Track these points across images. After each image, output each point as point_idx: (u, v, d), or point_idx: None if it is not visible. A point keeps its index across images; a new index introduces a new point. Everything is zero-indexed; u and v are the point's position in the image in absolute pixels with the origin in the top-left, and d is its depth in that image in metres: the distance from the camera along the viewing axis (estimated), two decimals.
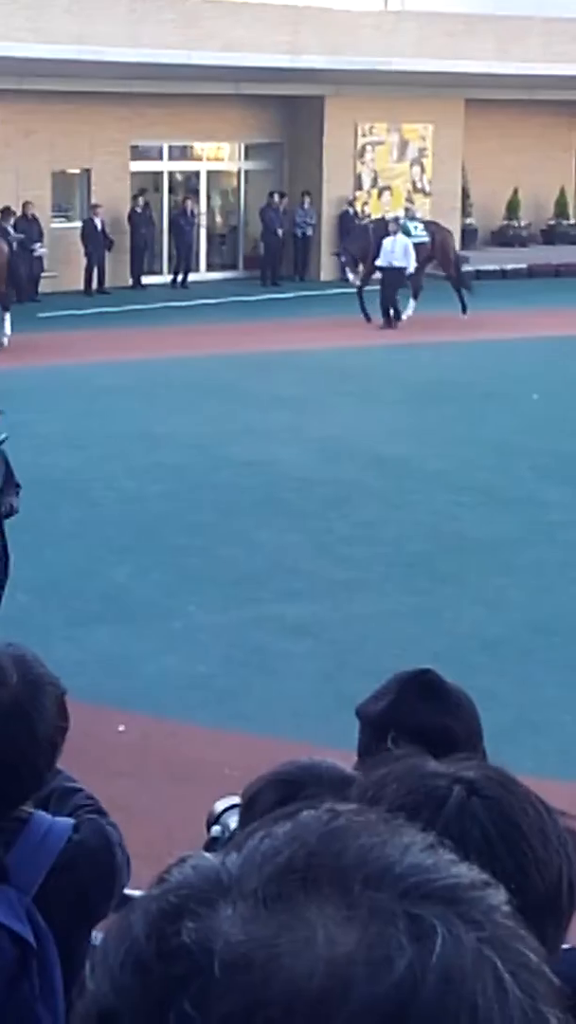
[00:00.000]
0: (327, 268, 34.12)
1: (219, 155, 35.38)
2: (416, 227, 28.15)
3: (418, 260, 27.38)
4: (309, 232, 33.94)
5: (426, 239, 27.92)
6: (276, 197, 33.42)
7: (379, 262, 27.02)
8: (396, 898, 0.89)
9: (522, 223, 36.84)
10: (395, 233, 27.26)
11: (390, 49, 31.84)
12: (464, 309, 27.59)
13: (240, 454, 16.79)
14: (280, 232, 33.17)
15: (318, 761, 3.05)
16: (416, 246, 27.30)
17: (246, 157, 35.18)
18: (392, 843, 0.93)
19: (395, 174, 35.12)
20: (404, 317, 27.24)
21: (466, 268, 29.75)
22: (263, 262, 33.45)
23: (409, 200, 34.72)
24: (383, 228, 27.78)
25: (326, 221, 34.07)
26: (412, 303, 27.53)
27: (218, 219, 35.64)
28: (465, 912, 0.89)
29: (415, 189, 35.38)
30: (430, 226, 28.90)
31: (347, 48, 31.43)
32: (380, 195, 35.00)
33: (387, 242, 27.12)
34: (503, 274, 34.19)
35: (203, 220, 34.28)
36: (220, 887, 0.91)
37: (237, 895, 0.90)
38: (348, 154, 34.41)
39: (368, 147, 34.71)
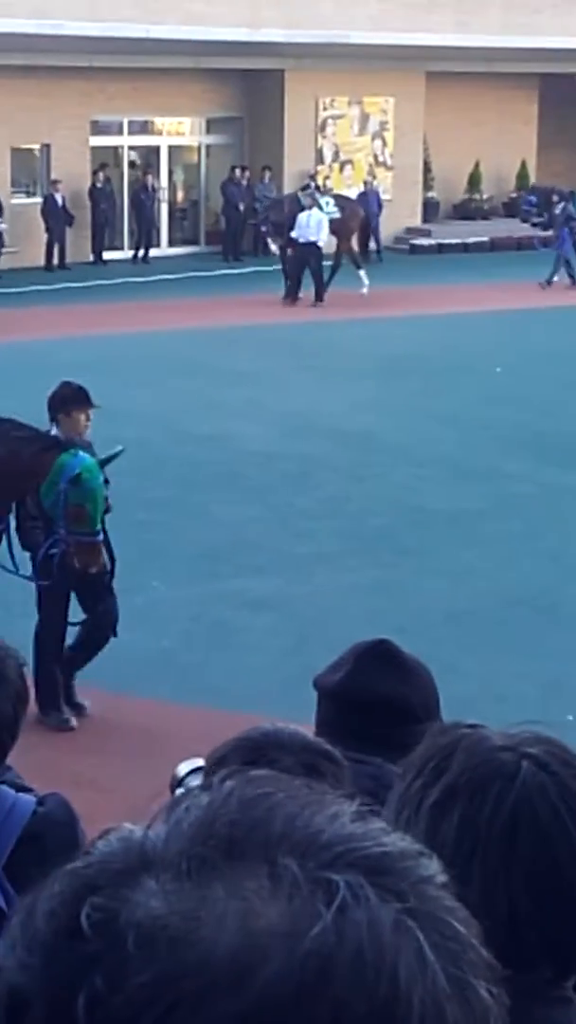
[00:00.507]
0: None
1: (180, 130, 35.23)
2: (327, 202, 28.07)
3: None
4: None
5: (337, 214, 27.89)
6: (237, 172, 33.32)
7: (294, 234, 26.85)
8: (320, 868, 0.87)
9: (484, 196, 36.80)
10: (310, 207, 27.09)
11: (350, 22, 31.73)
12: (363, 286, 27.40)
13: (202, 429, 16.76)
14: (241, 207, 33.07)
15: (281, 727, 3.07)
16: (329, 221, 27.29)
17: (207, 131, 35.05)
18: (320, 811, 0.92)
19: (356, 148, 35.05)
20: (364, 291, 27.18)
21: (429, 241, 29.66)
22: (224, 237, 33.35)
23: (371, 174, 34.64)
24: (298, 202, 27.68)
25: None
26: (362, 275, 27.50)
27: (179, 194, 35.51)
28: (391, 883, 0.88)
29: (376, 163, 35.32)
30: (339, 200, 28.96)
31: (307, 21, 31.31)
32: (342, 169, 34.93)
33: (302, 216, 26.93)
34: (465, 247, 34.20)
35: (164, 195, 34.14)
36: (143, 859, 0.90)
37: (160, 867, 0.89)
38: (309, 128, 34.32)
39: (329, 121, 34.62)
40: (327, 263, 27.31)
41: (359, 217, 28.91)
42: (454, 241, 34.41)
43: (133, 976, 0.84)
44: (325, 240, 26.93)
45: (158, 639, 10.57)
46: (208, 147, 35.21)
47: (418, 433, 16.82)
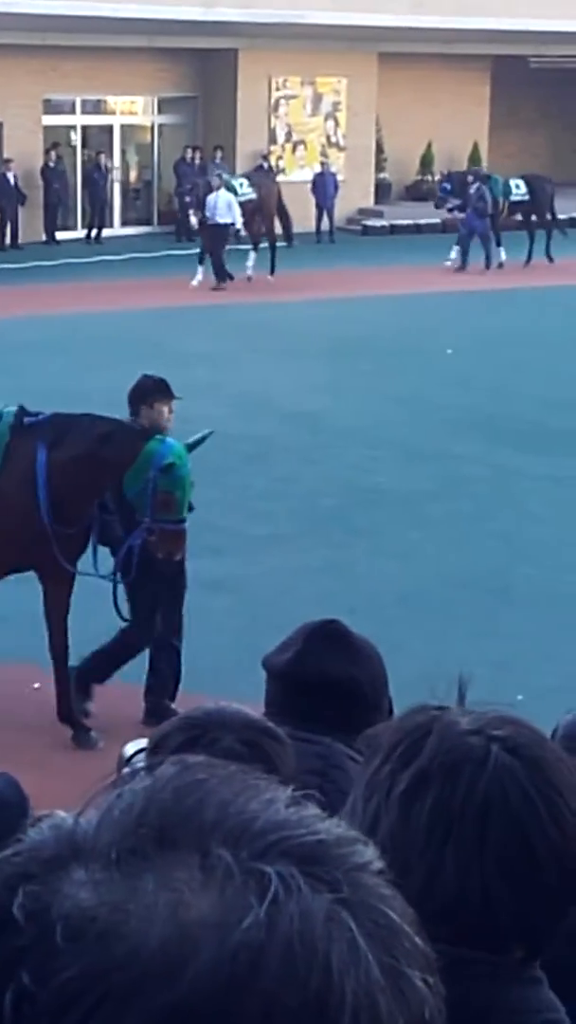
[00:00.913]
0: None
1: (133, 109, 35.12)
2: (241, 184, 27.61)
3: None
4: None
5: (252, 195, 27.48)
6: (190, 152, 33.25)
7: (205, 214, 26.23)
8: (253, 858, 0.86)
9: (436, 177, 36.83)
10: (218, 189, 26.47)
11: (304, 2, 31.69)
12: (272, 271, 27.07)
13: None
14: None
15: (224, 706, 3.07)
16: (243, 203, 26.66)
17: (160, 111, 34.95)
18: (254, 798, 0.90)
19: (309, 128, 35.03)
20: (249, 275, 26.83)
21: (381, 223, 29.63)
22: (177, 217, 33.27)
23: (323, 155, 34.65)
24: (207, 183, 27.05)
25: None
26: (252, 258, 27.11)
27: (132, 174, 35.40)
28: (324, 872, 0.87)
29: (329, 143, 35.31)
30: (255, 179, 28.66)
31: (261, 1, 31.26)
32: (294, 149, 34.91)
33: (210, 198, 26.37)
34: (417, 228, 34.24)
35: (117, 175, 34.04)
36: (74, 848, 0.88)
37: (90, 856, 0.87)
38: (262, 108, 34.28)
39: (282, 101, 34.59)
40: (264, 246, 27.20)
41: (275, 196, 28.37)
42: (406, 222, 34.45)
43: (61, 970, 0.82)
44: (237, 222, 26.39)
45: (112, 620, 10.59)
46: (161, 127, 35.12)
47: (370, 414, 16.89)
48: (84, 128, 34.11)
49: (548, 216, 29.98)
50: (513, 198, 29.91)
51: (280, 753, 2.92)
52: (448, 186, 31.06)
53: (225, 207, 26.22)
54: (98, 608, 9.29)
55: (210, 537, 12.46)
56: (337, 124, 35.41)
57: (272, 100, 34.41)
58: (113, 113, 34.66)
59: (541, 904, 1.81)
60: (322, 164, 33.78)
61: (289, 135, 34.86)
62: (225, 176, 27.85)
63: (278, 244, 27.77)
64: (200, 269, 26.37)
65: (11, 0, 27.96)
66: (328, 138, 35.35)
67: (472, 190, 29.10)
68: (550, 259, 29.32)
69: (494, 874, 1.80)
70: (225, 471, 14.48)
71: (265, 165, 33.61)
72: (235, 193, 26.81)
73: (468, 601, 11.17)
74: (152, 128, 35.17)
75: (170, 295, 24.88)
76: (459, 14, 33.82)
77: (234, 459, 14.89)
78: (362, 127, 35.50)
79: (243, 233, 26.93)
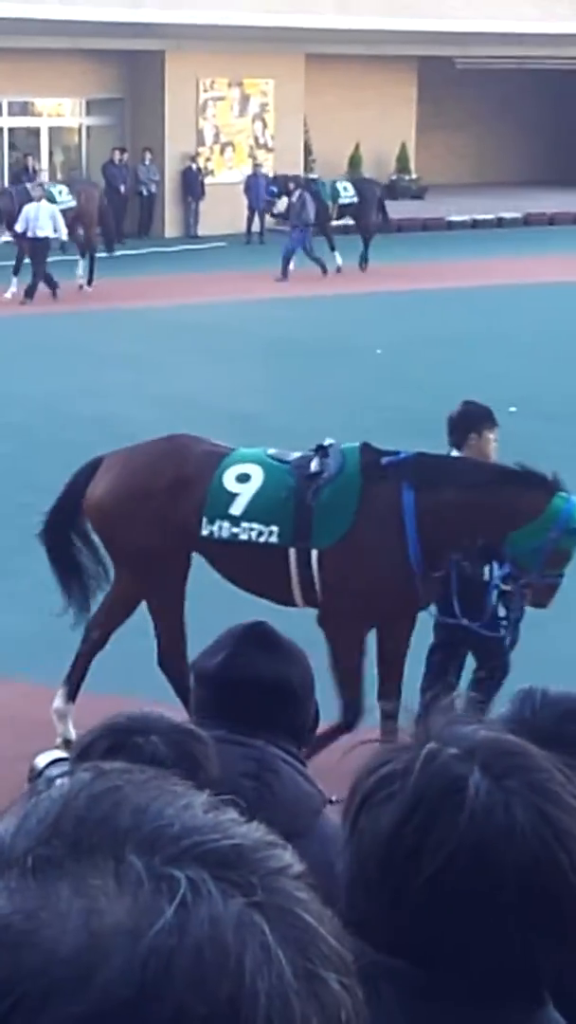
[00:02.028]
0: (171, 225, 33.96)
1: (60, 111, 35.00)
2: (60, 191, 26.81)
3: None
4: (153, 189, 33.74)
5: (72, 202, 26.66)
6: (117, 154, 33.17)
7: (18, 227, 24.94)
8: (165, 863, 0.86)
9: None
10: (39, 199, 25.31)
11: (230, 3, 31.68)
12: (89, 281, 26.27)
13: (84, 412, 16.68)
14: (123, 189, 32.95)
15: (148, 711, 3.07)
16: (64, 211, 25.66)
17: (87, 113, 34.84)
18: (169, 803, 0.91)
19: (237, 130, 35.02)
20: (91, 287, 26.21)
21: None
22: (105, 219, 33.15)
23: (252, 156, 34.65)
24: (26, 193, 25.95)
25: (169, 178, 33.90)
26: (82, 266, 26.43)
27: (60, 176, 35.24)
28: (238, 876, 0.87)
29: (257, 144, 35.32)
30: (74, 186, 27.94)
31: (187, 2, 31.22)
32: (223, 151, 34.89)
33: (30, 208, 25.00)
34: (345, 229, 34.23)
35: (45, 177, 33.87)
36: None
37: (6, 864, 0.87)
38: (190, 110, 34.23)
39: (210, 102, 34.56)
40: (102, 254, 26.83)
41: (96, 201, 27.48)
42: (334, 223, 34.42)
43: None
44: (61, 233, 25.28)
45: (44, 623, 10.52)
46: (89, 128, 35.01)
47: (302, 415, 16.86)
48: (11, 130, 33.94)
49: (376, 219, 29.45)
50: (342, 201, 29.40)
51: (205, 755, 2.91)
52: (274, 190, 30.42)
53: (47, 219, 24.92)
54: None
55: None
56: (265, 125, 35.42)
57: (200, 102, 34.37)
58: (40, 115, 34.51)
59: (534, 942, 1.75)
60: (255, 166, 33.77)
61: (217, 136, 34.83)
62: (47, 187, 26.95)
63: (99, 253, 27.01)
64: (14, 280, 25.40)
65: None
66: (256, 139, 35.36)
67: (294, 198, 28.05)
68: (363, 265, 28.63)
69: (469, 913, 1.76)
70: None
71: (194, 167, 33.62)
72: (54, 201, 25.72)
73: None
74: (80, 130, 35.05)
75: (98, 297, 24.80)
76: (385, 15, 33.91)
77: None
78: (290, 128, 35.52)
79: (65, 239, 25.84)
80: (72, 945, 0.82)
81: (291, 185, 29.11)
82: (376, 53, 35.94)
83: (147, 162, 33.53)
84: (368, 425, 16.44)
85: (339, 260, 28.16)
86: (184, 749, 2.87)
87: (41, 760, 3.63)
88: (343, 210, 29.48)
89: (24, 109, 34.24)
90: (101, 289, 25.46)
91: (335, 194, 29.33)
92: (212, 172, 34.37)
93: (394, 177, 37.62)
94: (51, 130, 34.69)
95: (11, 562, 11.74)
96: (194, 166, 33.89)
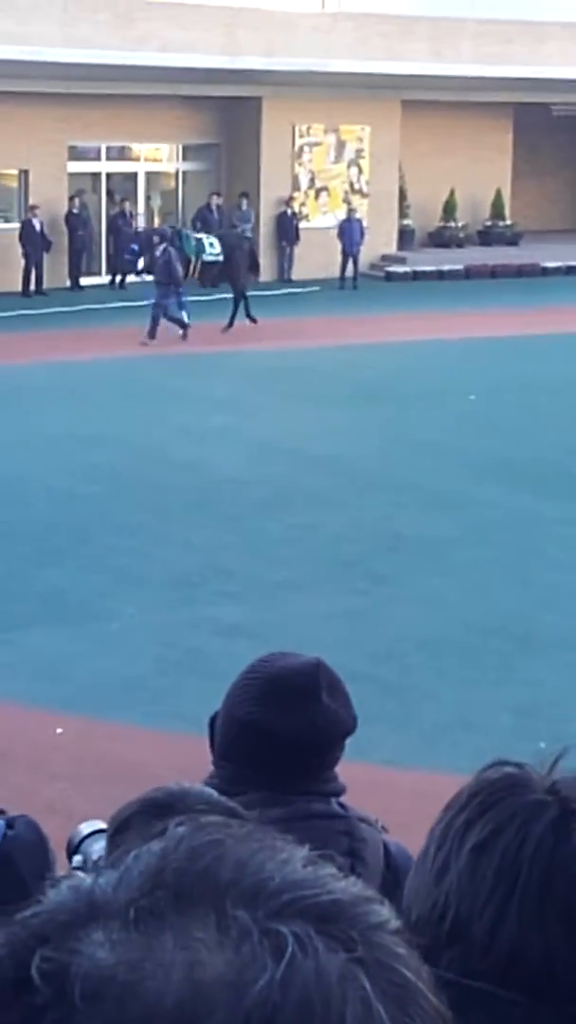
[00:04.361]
0: (265, 269, 34.13)
1: (157, 156, 35.33)
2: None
3: None
4: (248, 232, 33.94)
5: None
6: (214, 198, 33.44)
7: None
8: (268, 917, 0.86)
9: (459, 224, 36.95)
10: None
11: (327, 50, 31.90)
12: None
13: (175, 455, 16.78)
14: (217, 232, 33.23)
15: (187, 786, 3.00)
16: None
17: (184, 158, 35.15)
18: (270, 858, 0.91)
19: (332, 175, 35.18)
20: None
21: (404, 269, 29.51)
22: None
23: (347, 201, 34.81)
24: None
25: (264, 222, 34.10)
26: None
27: (156, 220, 35.57)
28: (339, 931, 0.87)
29: (352, 190, 35.46)
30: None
31: (284, 49, 31.47)
32: (317, 196, 35.06)
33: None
34: (440, 275, 34.32)
35: (141, 221, 34.20)
36: (93, 908, 0.88)
37: (108, 916, 0.88)
38: (286, 155, 34.44)
39: (305, 148, 34.75)
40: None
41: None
42: (429, 268, 34.53)
43: None
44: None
45: (132, 665, 10.58)
46: (185, 173, 35.31)
47: (392, 459, 16.88)
48: (109, 175, 34.32)
49: (245, 277, 27.16)
50: (206, 258, 27.63)
51: None
52: (135, 247, 28.88)
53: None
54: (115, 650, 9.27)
55: (229, 582, 12.47)
56: (360, 171, 35.56)
57: (296, 147, 34.58)
58: (138, 160, 34.87)
59: None
60: (349, 211, 33.93)
61: (312, 181, 35.01)
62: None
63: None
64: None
65: (37, 49, 28.18)
66: (351, 184, 35.50)
67: (158, 252, 26.24)
68: (252, 320, 26.68)
69: (557, 933, 1.82)
70: (242, 516, 14.48)
71: (289, 212, 33.79)
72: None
73: (490, 647, 11.11)
74: (176, 175, 35.36)
75: (192, 341, 24.94)
76: (480, 62, 34.01)
77: (250, 504, 14.89)
78: (385, 174, 35.64)
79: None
80: (176, 997, 0.83)
81: (155, 238, 27.23)
82: (471, 100, 36.02)
83: (243, 207, 33.77)
84: (457, 470, 16.44)
85: (186, 319, 25.81)
86: None
87: (83, 829, 3.46)
88: (207, 268, 27.33)
89: (121, 154, 34.60)
90: (195, 333, 25.64)
91: (199, 249, 27.53)
92: (307, 217, 34.54)
93: (489, 223, 37.63)
94: (148, 175, 35.03)
95: (100, 604, 11.83)
96: (289, 211, 34.08)
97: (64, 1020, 0.83)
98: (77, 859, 3.02)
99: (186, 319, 25.49)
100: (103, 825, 3.00)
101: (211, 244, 27.70)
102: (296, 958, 0.84)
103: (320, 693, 3.25)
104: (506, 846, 1.84)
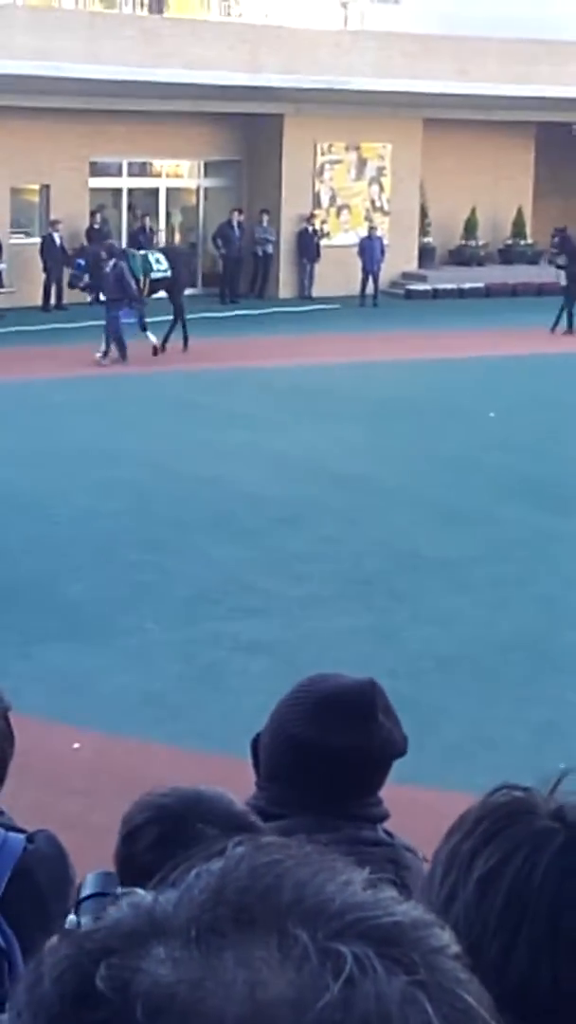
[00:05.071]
0: (286, 286, 34.18)
1: (178, 172, 35.41)
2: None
3: None
4: (269, 250, 34.00)
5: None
6: (236, 214, 33.51)
7: None
8: (329, 938, 0.86)
9: (480, 242, 36.94)
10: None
11: (349, 68, 31.95)
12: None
13: (196, 471, 16.79)
14: (238, 248, 33.29)
15: (203, 791, 2.88)
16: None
17: (205, 174, 35.22)
18: (330, 879, 0.91)
19: (353, 193, 35.22)
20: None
21: (424, 287, 29.56)
22: (222, 279, 33.50)
23: (368, 219, 34.85)
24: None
25: (285, 239, 34.14)
26: None
27: (177, 236, 35.64)
28: (400, 954, 0.87)
29: (374, 208, 35.49)
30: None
31: (306, 67, 31.52)
32: (339, 213, 35.09)
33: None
34: (461, 293, 34.33)
35: (162, 237, 34.27)
36: (153, 925, 0.89)
37: (170, 933, 0.88)
38: (307, 172, 34.49)
39: (327, 165, 34.80)
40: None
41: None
42: (450, 287, 34.53)
43: None
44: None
45: (151, 681, 10.58)
46: (206, 190, 35.39)
47: (412, 477, 16.87)
48: (130, 190, 34.40)
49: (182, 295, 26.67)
50: (154, 275, 26.65)
51: None
52: (82, 262, 27.96)
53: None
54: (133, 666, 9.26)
55: (248, 598, 12.46)
56: (382, 189, 35.59)
57: (317, 165, 34.63)
58: (159, 176, 34.95)
59: None
60: (370, 228, 33.96)
61: (333, 199, 35.05)
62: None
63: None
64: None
65: (59, 65, 28.27)
66: (373, 202, 35.54)
67: (108, 268, 25.61)
68: (176, 344, 25.78)
69: (565, 962, 1.80)
70: (262, 532, 14.48)
71: (310, 229, 33.83)
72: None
73: (510, 666, 11.09)
74: (197, 191, 35.44)
75: (212, 357, 24.97)
76: (503, 81, 34.03)
77: (271, 520, 14.89)
78: (407, 192, 35.67)
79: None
80: (237, 1015, 0.83)
81: (102, 255, 26.57)
82: (494, 119, 36.04)
83: (264, 223, 33.82)
84: (478, 488, 16.42)
85: (152, 339, 25.50)
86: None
87: (88, 883, 3.34)
88: (155, 285, 26.52)
89: (143, 170, 34.68)
90: (216, 349, 25.68)
91: (147, 267, 26.52)
92: (328, 234, 34.56)
93: (510, 241, 37.63)
94: (169, 191, 35.11)
95: (122, 620, 11.83)
96: (310, 228, 34.12)
97: None
98: (71, 920, 2.92)
99: (151, 338, 25.28)
100: (109, 877, 2.83)
101: (157, 260, 26.84)
102: (357, 979, 0.84)
103: (376, 712, 3.22)
104: (514, 876, 1.81)
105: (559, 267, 29.70)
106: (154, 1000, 0.84)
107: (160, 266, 26.50)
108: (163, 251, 27.70)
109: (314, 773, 3.16)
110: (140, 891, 0.94)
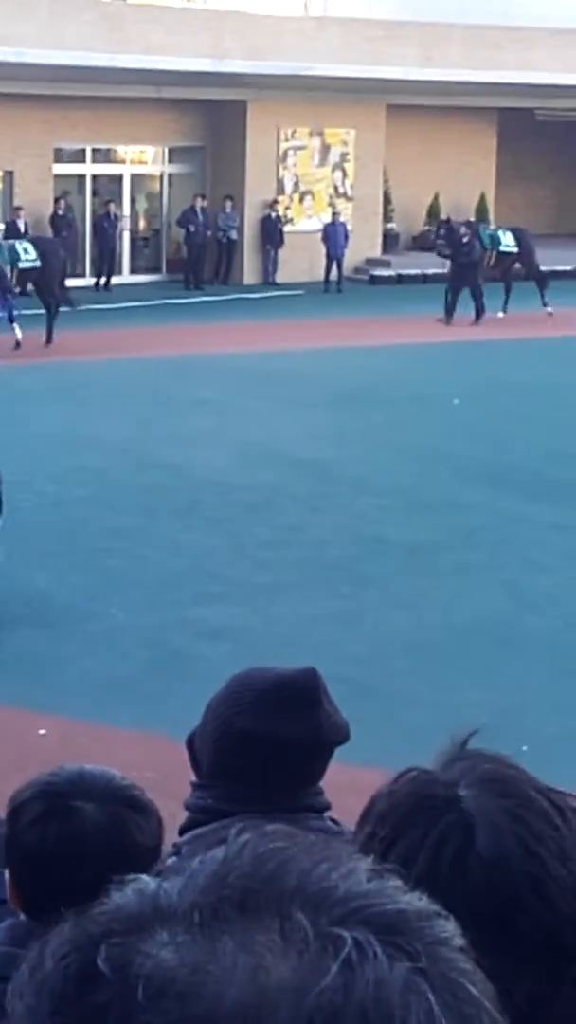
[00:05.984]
0: (250, 272, 34.17)
1: (142, 158, 35.35)
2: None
3: None
4: (232, 236, 33.98)
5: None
6: (199, 200, 33.47)
7: None
8: (332, 923, 0.87)
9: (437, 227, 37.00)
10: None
11: (312, 54, 31.93)
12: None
13: (162, 457, 16.79)
14: (202, 234, 33.25)
15: (89, 770, 2.91)
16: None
17: (169, 160, 35.17)
18: (334, 867, 0.92)
19: (317, 179, 35.23)
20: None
21: (388, 272, 29.47)
22: (186, 265, 33.48)
23: (331, 205, 34.86)
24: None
25: (249, 225, 34.12)
26: None
27: (141, 222, 35.60)
28: (404, 942, 0.88)
29: (337, 194, 35.50)
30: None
31: (269, 53, 31.49)
32: (302, 199, 35.11)
33: None
34: (424, 279, 34.35)
35: (126, 223, 34.23)
36: (157, 909, 0.90)
37: (173, 918, 0.89)
38: (270, 158, 34.48)
39: (290, 151, 34.79)
40: None
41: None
42: (413, 272, 34.56)
43: None
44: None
45: (116, 667, 10.60)
46: (170, 176, 35.34)
47: (377, 463, 16.90)
48: (94, 177, 34.33)
49: (62, 290, 25.92)
50: (22, 265, 25.45)
51: (142, 826, 2.76)
52: None
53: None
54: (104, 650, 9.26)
55: (214, 585, 12.49)
56: (345, 174, 35.61)
57: (280, 151, 34.62)
58: (123, 162, 34.89)
59: (525, 969, 1.75)
60: (333, 214, 33.97)
61: (297, 185, 35.05)
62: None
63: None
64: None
65: (21, 50, 28.16)
66: (336, 188, 35.55)
67: None
68: (48, 342, 24.93)
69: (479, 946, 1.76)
70: (228, 519, 14.50)
71: (273, 215, 33.81)
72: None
73: (474, 650, 11.14)
74: (161, 177, 35.38)
75: (177, 343, 24.96)
76: (467, 67, 34.06)
77: (236, 507, 14.91)
78: (370, 178, 35.69)
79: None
80: (238, 999, 0.84)
81: None
82: (457, 104, 36.09)
83: (227, 209, 33.80)
84: (442, 474, 16.47)
85: (19, 334, 24.64)
86: (120, 819, 2.76)
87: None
88: (24, 275, 25.66)
89: (107, 156, 34.61)
90: (180, 335, 25.67)
91: (14, 257, 25.61)
92: (291, 220, 34.58)
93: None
94: (133, 177, 35.05)
95: (90, 605, 11.84)
96: (273, 214, 34.11)
97: (127, 1017, 0.85)
98: None
99: (17, 331, 24.47)
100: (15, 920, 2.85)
101: (25, 250, 25.79)
102: (356, 964, 0.85)
103: (321, 698, 3.21)
104: (402, 845, 1.79)
105: (444, 256, 29.52)
106: (155, 982, 0.85)
107: (28, 256, 25.45)
108: (32, 241, 26.70)
109: (264, 766, 3.14)
110: (145, 877, 0.95)
